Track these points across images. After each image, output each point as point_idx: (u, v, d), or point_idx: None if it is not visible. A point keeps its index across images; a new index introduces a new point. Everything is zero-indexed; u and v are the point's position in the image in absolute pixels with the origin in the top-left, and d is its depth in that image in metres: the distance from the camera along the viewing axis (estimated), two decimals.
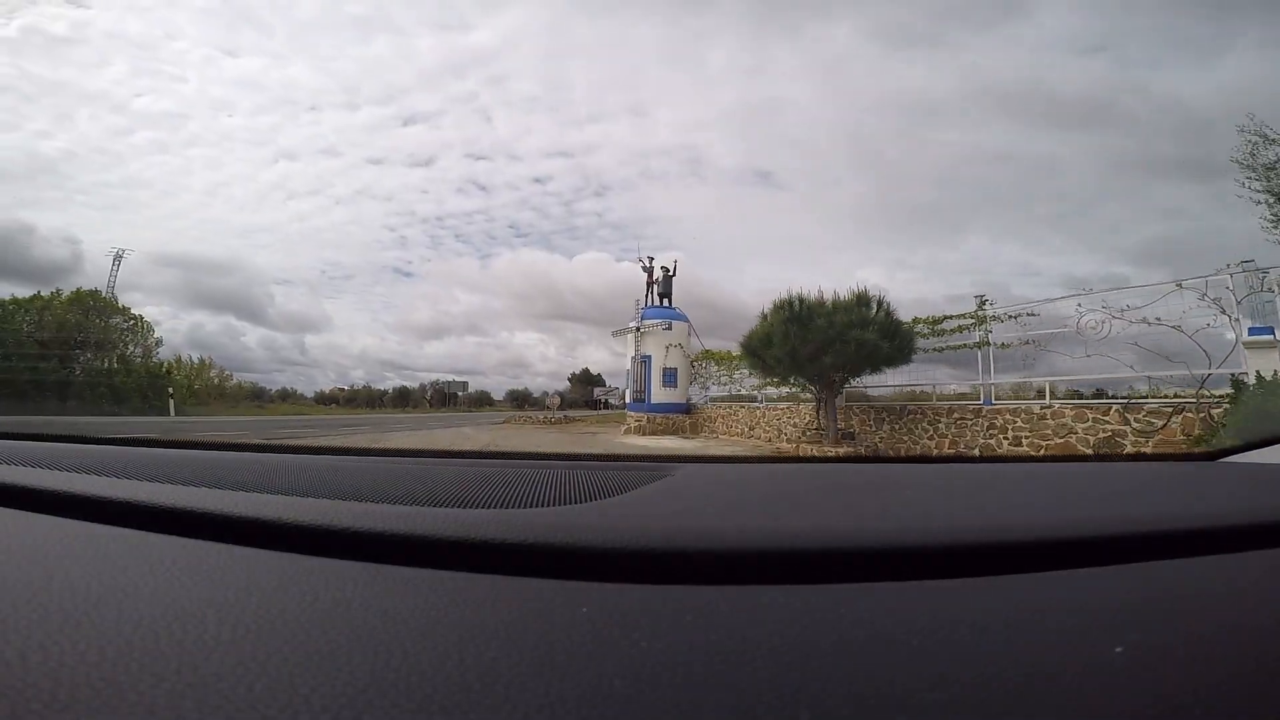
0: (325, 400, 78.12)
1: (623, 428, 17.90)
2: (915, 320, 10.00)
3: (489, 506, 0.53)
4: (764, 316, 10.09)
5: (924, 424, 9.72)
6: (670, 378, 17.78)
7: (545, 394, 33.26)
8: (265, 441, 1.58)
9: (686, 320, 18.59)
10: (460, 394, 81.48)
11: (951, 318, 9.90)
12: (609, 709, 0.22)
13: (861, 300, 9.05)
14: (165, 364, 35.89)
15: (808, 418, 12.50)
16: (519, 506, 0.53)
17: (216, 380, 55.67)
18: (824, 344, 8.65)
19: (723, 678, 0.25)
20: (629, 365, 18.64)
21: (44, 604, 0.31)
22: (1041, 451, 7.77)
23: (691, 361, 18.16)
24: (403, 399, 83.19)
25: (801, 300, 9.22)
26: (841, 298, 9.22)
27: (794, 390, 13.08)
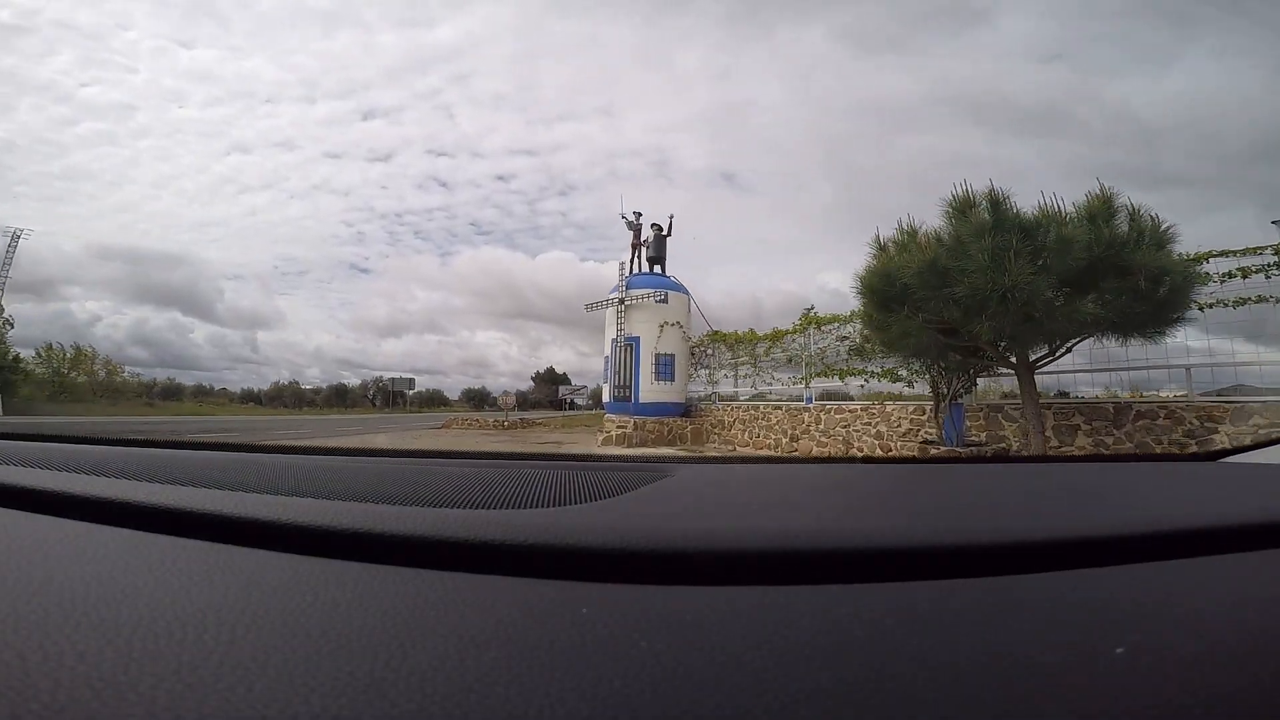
0: (249, 399, 69.93)
1: (599, 435, 13.05)
2: None
3: (489, 506, 0.53)
4: (883, 247, 5.57)
5: (1178, 433, 5.38)
6: (665, 367, 13.05)
7: (505, 393, 27.84)
8: (267, 442, 1.31)
9: (686, 292, 13.93)
10: (408, 392, 73.75)
11: (1229, 253, 5.55)
12: (609, 709, 0.22)
13: (1107, 203, 4.57)
14: (12, 352, 28.74)
15: (904, 425, 8.07)
16: (519, 506, 0.53)
17: (104, 374, 47.88)
18: (1084, 276, 4.10)
19: (723, 678, 0.25)
20: (607, 351, 13.82)
21: (44, 604, 0.31)
22: None
23: (692, 348, 13.54)
24: (340, 397, 75.00)
25: (994, 200, 4.64)
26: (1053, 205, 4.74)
27: (877, 377, 8.62)
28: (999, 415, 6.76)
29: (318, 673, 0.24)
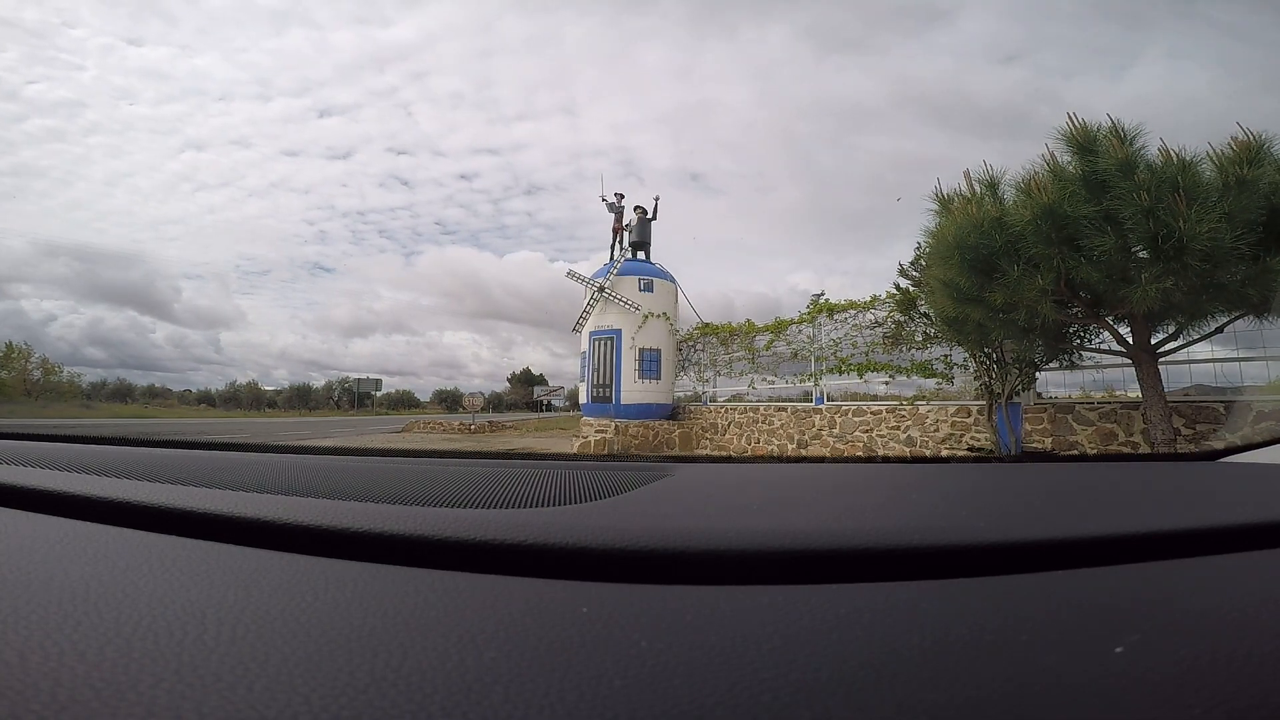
0: (202, 400, 66.13)
1: (575, 441, 11.55)
2: None
3: (489, 506, 0.53)
4: (947, 202, 4.32)
5: None
6: (650, 364, 11.64)
7: (472, 394, 25.93)
8: (266, 442, 1.32)
9: (673, 280, 12.56)
10: (375, 393, 70.56)
11: None
12: (609, 709, 0.23)
13: (1254, 152, 3.30)
14: None
15: (943, 429, 6.85)
16: (519, 506, 0.53)
17: (41, 373, 44.40)
18: (1267, 230, 2.87)
19: (723, 678, 0.25)
20: (585, 346, 12.37)
21: (44, 604, 0.31)
22: None
23: (679, 344, 12.16)
24: (302, 399, 71.38)
25: (1121, 135, 3.36)
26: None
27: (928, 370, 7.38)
28: (1068, 417, 5.57)
29: (318, 672, 0.24)
